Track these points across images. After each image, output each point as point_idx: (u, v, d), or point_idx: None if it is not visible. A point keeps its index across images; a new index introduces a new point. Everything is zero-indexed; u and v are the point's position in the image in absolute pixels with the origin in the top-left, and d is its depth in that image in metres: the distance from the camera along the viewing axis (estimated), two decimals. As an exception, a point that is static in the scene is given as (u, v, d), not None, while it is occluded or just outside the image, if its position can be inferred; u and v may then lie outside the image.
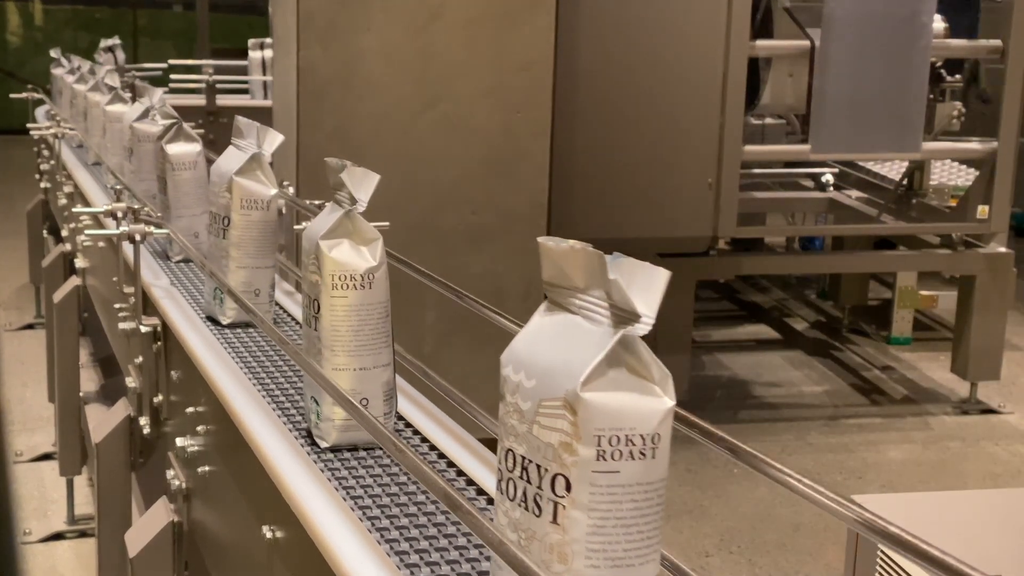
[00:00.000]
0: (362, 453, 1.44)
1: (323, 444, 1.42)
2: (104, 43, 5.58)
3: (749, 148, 4.74)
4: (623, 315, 0.81)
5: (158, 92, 2.73)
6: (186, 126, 2.38)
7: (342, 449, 1.41)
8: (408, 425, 1.56)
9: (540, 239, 0.85)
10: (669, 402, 0.83)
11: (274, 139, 1.87)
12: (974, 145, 4.98)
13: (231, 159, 1.92)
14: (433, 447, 1.48)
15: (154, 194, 2.58)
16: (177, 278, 2.35)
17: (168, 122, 2.41)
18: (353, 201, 1.38)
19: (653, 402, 0.83)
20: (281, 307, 2.10)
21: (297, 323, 1.99)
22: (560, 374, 0.82)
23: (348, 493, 1.32)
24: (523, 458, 0.86)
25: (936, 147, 5.03)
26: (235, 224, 1.91)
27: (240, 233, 1.91)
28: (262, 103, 6.04)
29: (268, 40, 6.81)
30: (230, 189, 1.90)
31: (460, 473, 1.38)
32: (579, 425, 0.81)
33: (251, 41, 6.92)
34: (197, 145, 2.37)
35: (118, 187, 2.80)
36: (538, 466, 0.84)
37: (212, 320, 2.01)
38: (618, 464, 0.82)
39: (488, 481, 1.36)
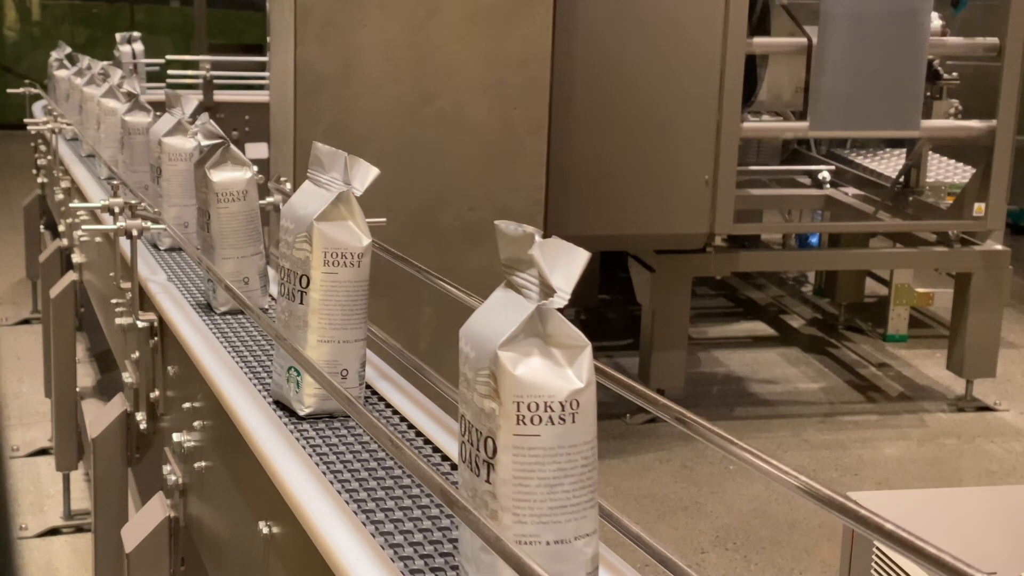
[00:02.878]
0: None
1: None
2: (60, 51, 5.47)
3: (748, 125, 4.74)
4: None
5: (193, 102, 2.38)
6: (234, 147, 1.99)
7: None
8: (403, 420, 1.56)
9: None
10: None
11: (367, 173, 1.47)
12: (974, 123, 4.98)
13: (309, 199, 1.50)
14: (428, 442, 1.48)
15: (186, 222, 2.30)
16: (174, 273, 2.35)
17: (211, 143, 1.97)
18: (547, 292, 0.94)
19: None
20: (372, 389, 1.66)
21: (393, 411, 1.60)
22: None
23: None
24: None
25: (935, 124, 5.07)
26: (316, 285, 1.48)
27: (323, 296, 1.48)
28: (261, 99, 6.01)
29: (136, 34, 6.65)
30: (310, 239, 1.47)
31: (455, 468, 1.38)
32: None
33: (118, 36, 6.73)
34: (247, 171, 1.98)
35: (115, 182, 2.78)
36: None
37: (283, 407, 1.58)
38: None
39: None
